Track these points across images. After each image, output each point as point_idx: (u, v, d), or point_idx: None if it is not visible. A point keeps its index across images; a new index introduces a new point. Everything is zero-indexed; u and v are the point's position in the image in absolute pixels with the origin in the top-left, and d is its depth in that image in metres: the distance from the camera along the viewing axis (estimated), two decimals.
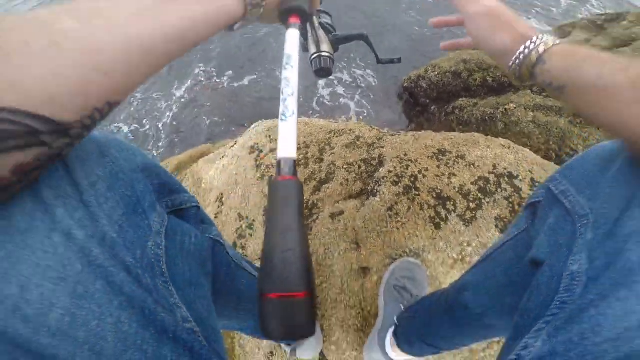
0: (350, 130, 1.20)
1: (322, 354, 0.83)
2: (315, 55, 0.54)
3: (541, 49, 0.34)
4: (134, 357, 0.24)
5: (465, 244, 0.86)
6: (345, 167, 1.07)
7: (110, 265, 0.25)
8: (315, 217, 0.98)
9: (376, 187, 0.98)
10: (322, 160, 1.11)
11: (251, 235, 1.02)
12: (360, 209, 0.96)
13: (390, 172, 1.00)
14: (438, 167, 0.99)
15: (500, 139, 1.08)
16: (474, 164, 0.98)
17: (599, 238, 0.28)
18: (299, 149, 1.15)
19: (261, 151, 1.20)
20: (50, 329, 0.21)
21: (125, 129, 2.97)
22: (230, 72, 3.27)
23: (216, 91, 3.14)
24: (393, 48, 3.24)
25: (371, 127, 1.24)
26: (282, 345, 0.83)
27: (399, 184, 0.96)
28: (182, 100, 3.11)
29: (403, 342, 0.68)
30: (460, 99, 2.16)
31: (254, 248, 1.00)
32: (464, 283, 0.53)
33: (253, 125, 1.39)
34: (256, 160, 1.17)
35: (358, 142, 1.14)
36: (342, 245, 0.91)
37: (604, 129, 0.30)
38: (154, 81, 3.23)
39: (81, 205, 0.25)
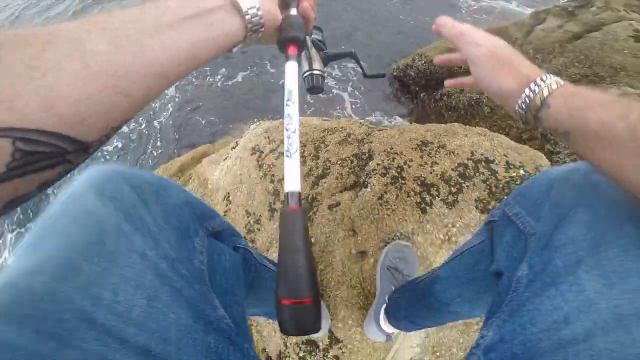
0: (342, 127, 1.28)
1: (330, 331, 0.91)
2: (307, 74, 0.55)
3: (545, 92, 0.34)
4: (188, 343, 0.30)
5: (450, 225, 0.96)
6: (339, 162, 1.16)
7: (172, 276, 0.31)
8: (315, 209, 1.08)
9: (367, 179, 1.07)
10: (318, 157, 1.20)
11: (259, 230, 1.12)
12: (354, 199, 1.06)
13: (378, 164, 1.09)
14: (421, 157, 1.08)
15: (477, 127, 1.17)
16: (453, 152, 1.07)
17: (538, 249, 0.34)
18: None
19: (262, 152, 1.29)
20: (133, 322, 0.27)
21: (125, 128, 2.99)
22: (224, 69, 3.28)
23: (210, 90, 3.14)
24: (379, 41, 3.23)
25: (360, 123, 1.33)
26: None
27: (387, 175, 1.06)
28: (177, 99, 3.11)
29: (392, 318, 0.77)
30: None
31: (262, 240, 1.10)
32: (436, 276, 0.61)
33: (251, 127, 1.47)
34: (258, 161, 1.26)
35: (349, 139, 1.22)
36: (341, 232, 1.01)
37: (607, 177, 0.30)
38: None
39: (148, 234, 0.32)
